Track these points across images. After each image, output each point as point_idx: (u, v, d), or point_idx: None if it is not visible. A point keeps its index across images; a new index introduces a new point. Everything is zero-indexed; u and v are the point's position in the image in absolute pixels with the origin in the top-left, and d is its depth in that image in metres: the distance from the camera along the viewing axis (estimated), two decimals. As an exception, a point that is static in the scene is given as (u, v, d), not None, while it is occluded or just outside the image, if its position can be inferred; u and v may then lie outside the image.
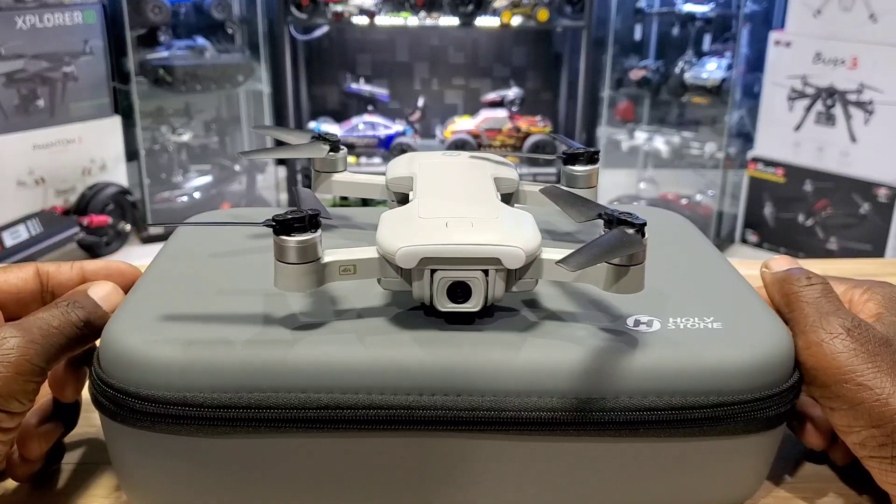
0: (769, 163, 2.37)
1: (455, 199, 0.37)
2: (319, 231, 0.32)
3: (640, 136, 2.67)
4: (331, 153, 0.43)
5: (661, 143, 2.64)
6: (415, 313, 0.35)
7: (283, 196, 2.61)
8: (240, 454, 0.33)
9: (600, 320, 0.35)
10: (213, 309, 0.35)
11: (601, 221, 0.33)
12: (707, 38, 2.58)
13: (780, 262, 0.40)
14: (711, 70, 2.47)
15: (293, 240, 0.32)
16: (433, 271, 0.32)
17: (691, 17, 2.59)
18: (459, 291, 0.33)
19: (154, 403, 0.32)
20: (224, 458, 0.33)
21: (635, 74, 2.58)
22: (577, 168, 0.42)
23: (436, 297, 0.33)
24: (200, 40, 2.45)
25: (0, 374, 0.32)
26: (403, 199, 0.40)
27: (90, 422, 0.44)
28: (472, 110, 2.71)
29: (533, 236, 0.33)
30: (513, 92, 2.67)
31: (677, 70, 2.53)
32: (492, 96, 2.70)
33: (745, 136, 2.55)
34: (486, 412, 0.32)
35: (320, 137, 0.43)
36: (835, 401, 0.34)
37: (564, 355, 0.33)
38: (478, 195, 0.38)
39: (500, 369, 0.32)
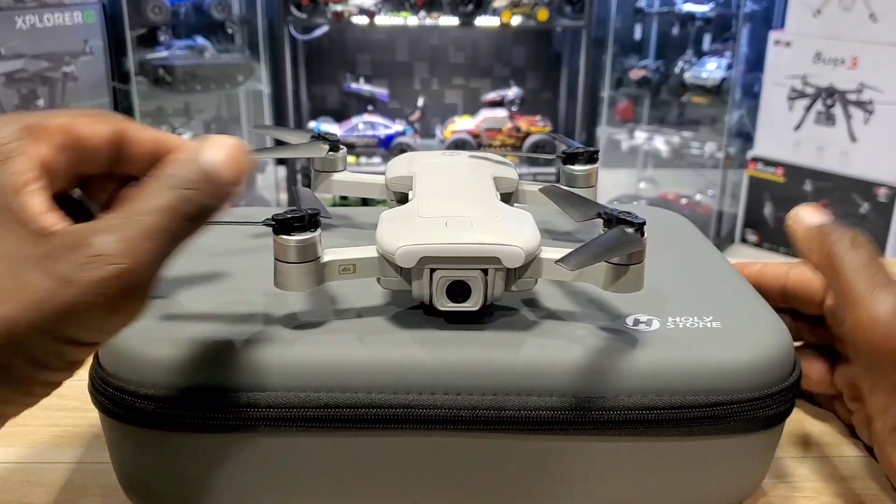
0: (769, 162, 2.37)
1: (455, 199, 0.37)
2: (319, 231, 0.32)
3: (640, 135, 2.67)
4: (330, 153, 0.43)
5: (661, 143, 2.64)
6: (414, 312, 0.35)
7: (283, 196, 2.61)
8: (239, 453, 0.33)
9: (599, 319, 0.35)
10: (213, 308, 0.35)
11: (600, 221, 0.33)
12: (707, 38, 2.58)
13: (811, 214, 0.37)
14: (711, 70, 2.47)
15: (293, 239, 0.32)
16: (432, 270, 0.32)
17: (691, 17, 2.59)
18: (459, 291, 0.33)
19: (154, 402, 0.32)
20: (224, 457, 0.33)
21: (635, 74, 2.58)
22: (577, 167, 0.42)
23: (435, 296, 0.33)
24: (200, 40, 2.45)
25: (88, 299, 0.24)
26: (403, 199, 0.40)
27: (90, 421, 0.44)
28: (471, 110, 2.71)
29: (532, 235, 0.33)
30: (513, 92, 2.67)
31: (677, 70, 2.53)
32: (492, 96, 2.70)
33: (745, 136, 2.55)
34: (486, 411, 0.32)
35: (320, 137, 0.43)
36: (883, 382, 0.32)
37: (564, 354, 0.33)
38: (477, 195, 0.38)
39: (499, 369, 0.32)
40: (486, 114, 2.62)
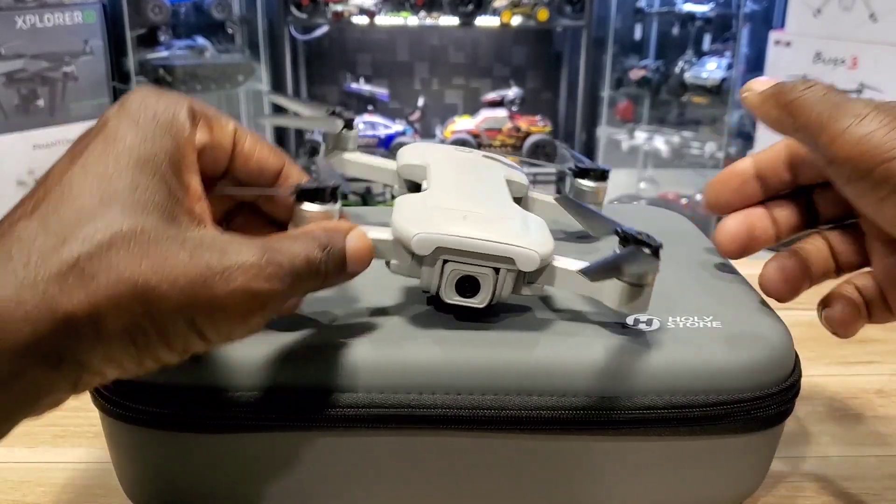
0: (769, 162, 2.37)
1: (471, 195, 0.37)
2: (339, 204, 0.32)
3: (640, 135, 2.67)
4: (345, 129, 0.43)
5: (661, 143, 2.64)
6: (414, 312, 0.35)
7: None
8: (240, 452, 0.33)
9: (600, 319, 0.35)
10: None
11: (615, 238, 0.33)
12: (707, 38, 2.58)
13: (761, 82, 0.35)
14: (711, 70, 2.47)
15: (315, 208, 0.32)
16: (445, 262, 0.32)
17: (691, 17, 2.59)
18: (468, 286, 0.33)
19: (155, 402, 0.32)
20: (224, 456, 0.33)
21: (635, 74, 2.58)
22: (588, 183, 0.42)
23: (443, 287, 0.33)
24: (200, 40, 2.45)
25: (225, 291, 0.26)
26: (414, 188, 0.40)
27: (90, 421, 0.44)
28: (471, 110, 2.71)
29: (547, 241, 0.33)
30: (513, 92, 2.67)
31: (677, 70, 2.53)
32: (492, 96, 2.70)
33: (746, 136, 2.55)
34: (487, 411, 0.32)
35: (336, 113, 0.43)
36: (881, 187, 0.30)
37: (564, 354, 0.33)
38: (493, 194, 0.38)
39: (499, 368, 0.32)
40: (486, 114, 2.62)
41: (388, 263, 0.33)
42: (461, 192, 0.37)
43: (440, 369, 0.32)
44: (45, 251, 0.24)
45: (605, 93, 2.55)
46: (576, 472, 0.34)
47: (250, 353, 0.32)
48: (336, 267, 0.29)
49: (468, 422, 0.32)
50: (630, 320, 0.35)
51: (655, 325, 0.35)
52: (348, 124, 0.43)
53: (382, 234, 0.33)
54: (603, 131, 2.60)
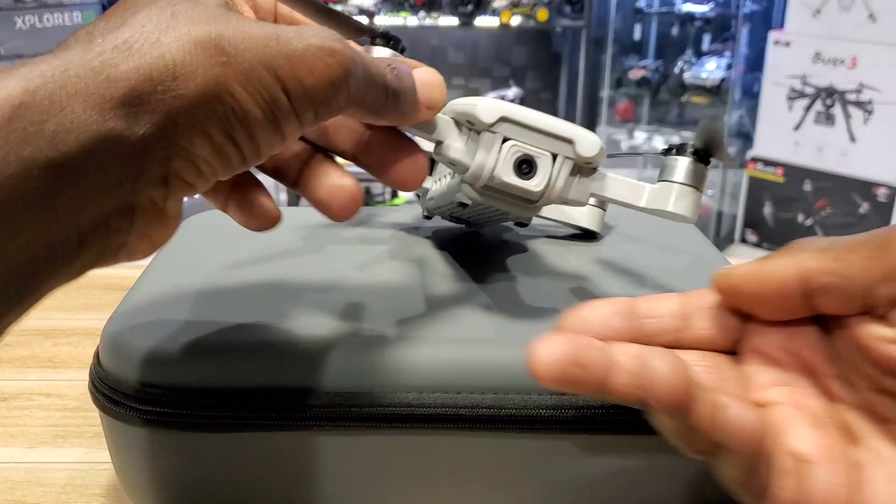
0: (769, 162, 2.38)
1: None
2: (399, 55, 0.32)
3: (640, 135, 2.67)
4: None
5: (660, 143, 2.64)
6: (414, 310, 0.35)
7: (283, 196, 2.61)
8: (240, 452, 0.33)
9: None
10: (216, 305, 0.35)
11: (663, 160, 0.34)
12: (706, 38, 2.59)
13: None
14: (711, 70, 2.47)
15: (385, 52, 0.31)
16: (505, 139, 0.31)
17: (691, 17, 2.59)
18: (525, 168, 0.31)
19: (154, 402, 0.32)
20: (224, 456, 0.33)
21: (635, 74, 2.58)
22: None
23: (500, 165, 0.31)
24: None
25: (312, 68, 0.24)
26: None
27: (90, 421, 0.45)
28: (471, 110, 2.71)
29: (601, 144, 0.32)
30: (512, 92, 2.68)
31: (677, 70, 2.53)
32: (491, 96, 2.70)
33: (745, 136, 2.55)
34: (486, 410, 0.32)
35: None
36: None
37: (564, 354, 0.33)
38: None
39: (498, 367, 0.33)
40: (485, 114, 2.62)
41: (436, 147, 0.32)
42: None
43: (439, 368, 0.32)
44: (106, 31, 0.23)
45: (605, 93, 2.55)
46: (574, 470, 0.34)
47: (247, 352, 0.33)
48: (404, 88, 0.28)
49: (467, 421, 0.32)
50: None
51: (655, 324, 0.35)
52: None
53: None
54: (602, 131, 2.60)
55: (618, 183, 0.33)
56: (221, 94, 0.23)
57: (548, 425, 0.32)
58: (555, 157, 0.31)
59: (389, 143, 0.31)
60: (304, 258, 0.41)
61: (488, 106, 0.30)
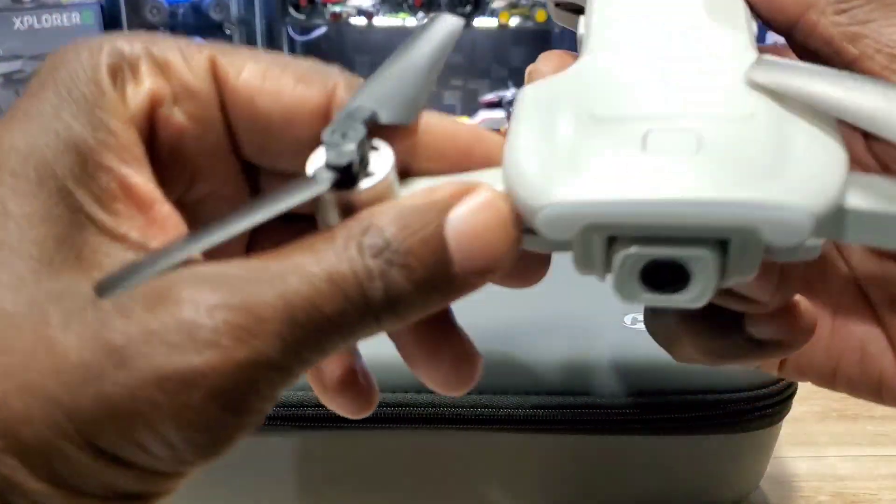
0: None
1: (669, 70, 0.20)
2: (391, 162, 0.18)
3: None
4: None
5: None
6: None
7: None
8: (238, 452, 0.33)
9: (597, 317, 0.35)
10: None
11: None
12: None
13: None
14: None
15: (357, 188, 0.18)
16: (612, 241, 0.17)
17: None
18: (667, 274, 0.18)
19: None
20: (224, 457, 0.33)
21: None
22: None
23: (620, 280, 0.18)
24: (199, 41, 2.45)
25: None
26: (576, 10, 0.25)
27: (89, 421, 0.44)
28: (470, 111, 2.71)
29: (829, 173, 0.17)
30: (511, 93, 2.67)
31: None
32: (490, 97, 2.70)
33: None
34: (484, 409, 0.32)
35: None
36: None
37: (561, 352, 0.33)
38: (711, 62, 0.20)
39: (497, 367, 0.33)
40: (484, 115, 2.62)
41: None
42: (652, 65, 0.20)
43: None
44: None
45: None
46: (573, 470, 0.34)
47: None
48: (416, 279, 0.16)
49: (465, 420, 0.32)
50: (627, 319, 0.35)
51: (653, 324, 0.35)
52: None
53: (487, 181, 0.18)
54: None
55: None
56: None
57: (543, 425, 0.32)
58: (725, 245, 0.17)
59: (426, 328, 0.21)
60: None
61: (559, 214, 0.17)
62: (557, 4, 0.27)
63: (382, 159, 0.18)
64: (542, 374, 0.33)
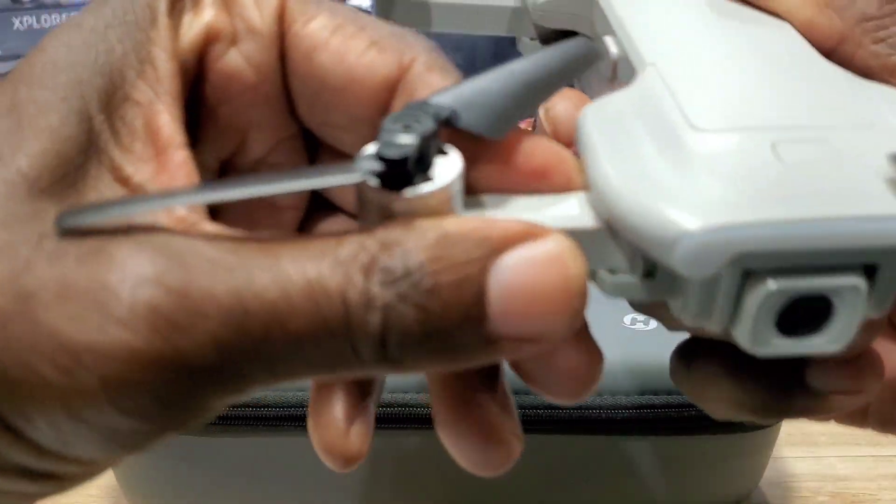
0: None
1: (759, 76, 0.17)
2: (459, 167, 0.15)
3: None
4: None
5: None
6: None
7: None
8: (239, 453, 0.33)
9: (596, 317, 0.35)
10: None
11: None
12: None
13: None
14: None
15: (409, 192, 0.14)
16: (747, 275, 0.14)
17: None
18: (803, 313, 0.14)
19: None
20: (223, 457, 0.33)
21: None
22: None
23: (756, 325, 0.14)
24: None
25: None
26: (549, 38, 0.24)
27: (89, 422, 0.44)
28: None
29: None
30: (510, 93, 2.68)
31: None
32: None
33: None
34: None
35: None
36: None
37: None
38: (794, 59, 0.18)
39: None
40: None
41: (592, 275, 0.17)
42: (727, 70, 0.17)
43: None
44: None
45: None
46: (573, 471, 0.34)
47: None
48: (431, 326, 0.13)
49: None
50: (627, 319, 0.35)
51: (652, 323, 0.35)
52: None
53: (572, 219, 0.15)
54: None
55: None
56: None
57: (544, 426, 0.33)
58: (873, 269, 0.14)
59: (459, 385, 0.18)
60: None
61: (710, 240, 0.13)
62: (543, 40, 0.24)
63: (448, 167, 0.15)
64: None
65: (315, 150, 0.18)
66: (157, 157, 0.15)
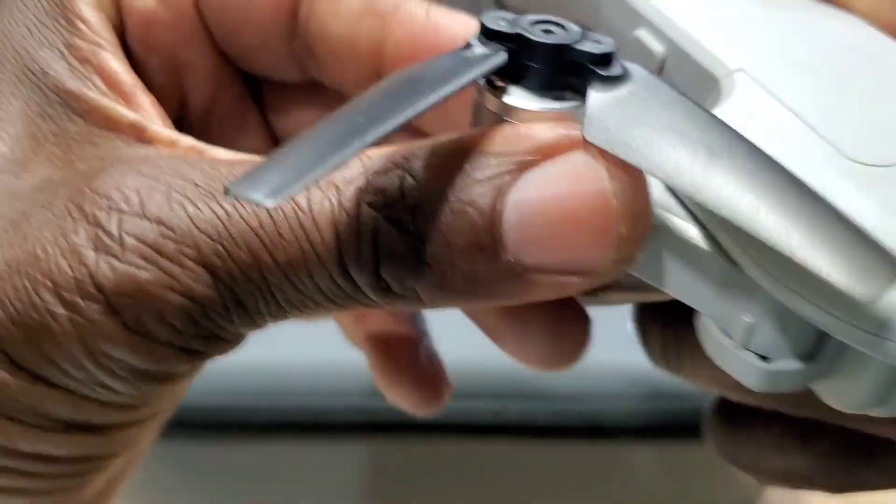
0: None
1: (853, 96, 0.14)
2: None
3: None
4: None
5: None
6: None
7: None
8: (238, 459, 0.33)
9: (597, 322, 0.35)
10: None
11: None
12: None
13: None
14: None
15: (528, 103, 0.12)
16: None
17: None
18: None
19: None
20: (222, 462, 0.33)
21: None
22: None
23: None
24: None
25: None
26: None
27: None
28: (467, 113, 2.73)
29: None
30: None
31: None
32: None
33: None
34: (486, 416, 0.32)
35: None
36: None
37: (564, 359, 0.33)
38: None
39: (498, 374, 0.32)
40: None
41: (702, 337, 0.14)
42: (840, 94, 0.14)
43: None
44: None
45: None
46: (574, 476, 0.34)
47: (237, 358, 0.32)
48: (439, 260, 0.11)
49: (466, 427, 0.32)
50: (628, 324, 0.35)
51: (655, 328, 0.35)
52: None
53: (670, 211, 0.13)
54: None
55: None
56: None
57: (547, 431, 0.33)
58: None
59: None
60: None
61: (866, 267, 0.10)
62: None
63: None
64: (542, 380, 0.32)
65: (259, 91, 0.18)
66: (127, 104, 0.15)
